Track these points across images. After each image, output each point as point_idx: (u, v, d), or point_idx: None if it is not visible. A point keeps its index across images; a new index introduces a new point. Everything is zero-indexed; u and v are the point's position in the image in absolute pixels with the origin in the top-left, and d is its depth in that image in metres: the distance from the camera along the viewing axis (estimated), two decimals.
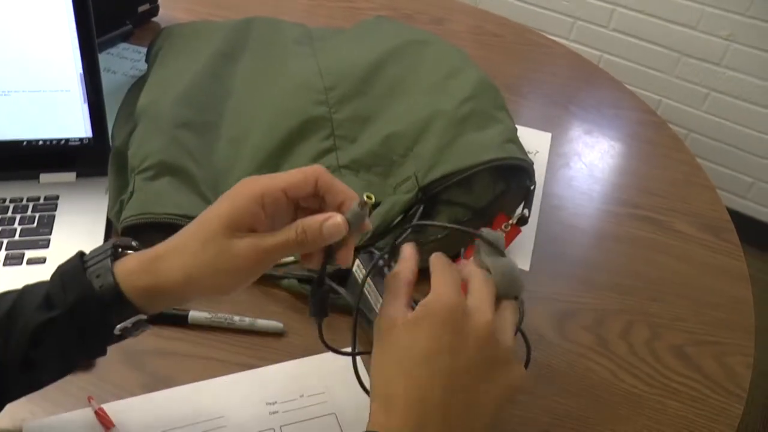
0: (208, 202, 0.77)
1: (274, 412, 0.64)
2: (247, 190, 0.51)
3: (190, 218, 0.72)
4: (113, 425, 0.61)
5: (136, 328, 0.53)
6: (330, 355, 0.66)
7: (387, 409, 0.50)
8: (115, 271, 0.51)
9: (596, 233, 0.90)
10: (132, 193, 0.75)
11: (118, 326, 0.51)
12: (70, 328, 0.51)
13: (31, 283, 0.53)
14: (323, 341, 0.59)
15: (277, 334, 0.72)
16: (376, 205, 0.77)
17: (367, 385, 0.63)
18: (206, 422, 0.62)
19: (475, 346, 0.50)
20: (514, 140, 0.81)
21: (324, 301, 0.57)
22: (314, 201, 0.54)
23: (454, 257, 0.79)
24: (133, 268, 0.51)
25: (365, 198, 0.52)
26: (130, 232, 0.74)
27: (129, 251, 0.54)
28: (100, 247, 0.53)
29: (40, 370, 0.53)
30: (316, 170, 0.53)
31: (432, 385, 0.49)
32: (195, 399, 0.64)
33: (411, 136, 0.82)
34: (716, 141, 2.10)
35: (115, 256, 0.52)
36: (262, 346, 0.70)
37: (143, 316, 0.52)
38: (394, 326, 0.51)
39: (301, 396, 0.65)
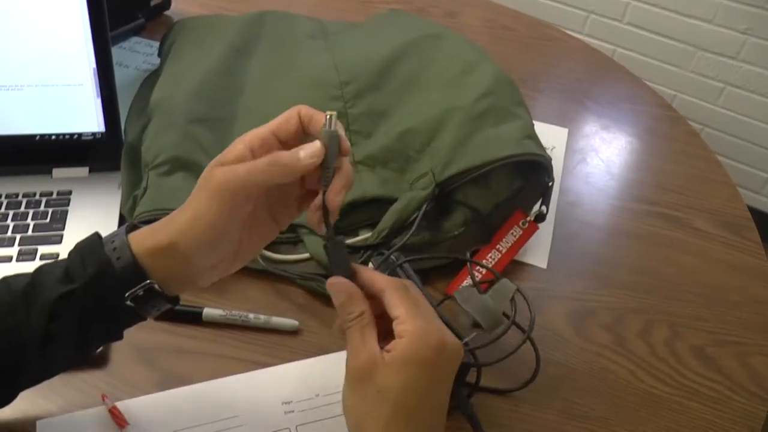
0: None
1: (289, 412, 0.63)
2: (236, 140, 0.53)
3: None
4: (127, 424, 0.60)
5: (150, 300, 0.52)
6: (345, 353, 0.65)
7: None
8: (130, 242, 0.52)
9: (614, 230, 0.89)
10: (146, 189, 0.75)
11: (128, 293, 0.51)
12: (89, 302, 0.51)
13: (48, 262, 0.54)
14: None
15: (292, 332, 0.71)
16: (392, 201, 0.76)
17: None
18: (221, 421, 0.62)
19: (451, 373, 0.51)
20: (533, 136, 0.80)
21: (341, 251, 0.54)
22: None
23: (472, 255, 0.78)
24: (144, 233, 0.53)
25: (327, 114, 0.52)
26: None
27: None
28: (117, 229, 0.54)
29: (58, 347, 0.52)
30: (297, 107, 0.54)
31: (408, 426, 0.49)
32: (209, 397, 0.64)
33: (427, 132, 0.81)
34: (731, 136, 2.08)
35: (129, 230, 0.53)
36: (277, 344, 0.70)
37: (153, 283, 0.51)
38: (371, 371, 0.49)
39: (317, 395, 0.65)
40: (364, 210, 0.77)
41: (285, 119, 0.53)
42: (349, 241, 0.75)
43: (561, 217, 0.89)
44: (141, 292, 0.51)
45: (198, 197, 0.52)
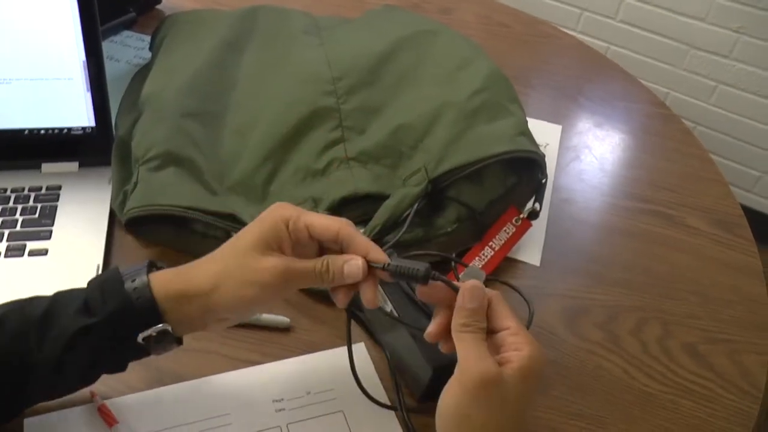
0: (214, 193, 0.76)
1: (280, 410, 0.62)
2: (276, 211, 0.55)
3: (196, 210, 0.72)
4: (116, 422, 0.60)
5: (160, 341, 0.54)
6: (339, 350, 0.65)
7: None
8: (150, 282, 0.53)
9: (607, 228, 0.89)
10: (136, 184, 0.74)
11: (142, 335, 0.53)
12: (105, 337, 0.53)
13: (64, 290, 0.55)
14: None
15: (284, 330, 0.70)
16: (384, 197, 0.75)
17: (365, 385, 0.62)
18: (211, 419, 0.61)
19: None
20: (526, 133, 0.80)
21: (406, 264, 0.55)
22: (336, 247, 0.56)
23: (463, 252, 0.78)
24: (167, 276, 0.55)
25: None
26: (135, 223, 0.73)
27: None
28: (135, 265, 0.56)
29: (66, 375, 0.54)
30: (342, 221, 0.56)
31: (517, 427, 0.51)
32: (200, 395, 0.63)
33: (421, 128, 0.81)
34: (723, 134, 2.08)
35: (150, 270, 0.55)
36: (268, 342, 0.69)
37: (168, 326, 0.53)
38: (497, 381, 0.49)
39: (308, 393, 0.64)
40: (356, 206, 0.76)
41: (325, 224, 0.55)
42: None
43: (554, 215, 0.88)
44: (154, 334, 0.53)
45: (243, 279, 0.53)
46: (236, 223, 0.73)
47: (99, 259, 0.73)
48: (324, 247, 0.57)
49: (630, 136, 1.05)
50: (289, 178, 0.78)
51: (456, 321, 0.53)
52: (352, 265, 0.54)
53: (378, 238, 0.74)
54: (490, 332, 0.53)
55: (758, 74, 1.93)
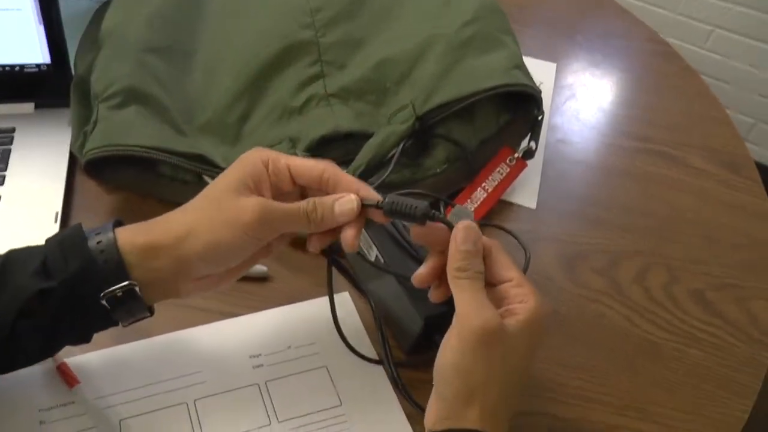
0: (182, 133, 0.70)
1: (258, 366, 0.57)
2: (254, 153, 0.50)
3: (162, 151, 0.66)
4: (78, 382, 0.54)
5: (126, 303, 0.48)
6: (321, 301, 0.60)
7: (487, 418, 0.45)
8: (117, 237, 0.48)
9: (606, 169, 0.83)
10: (95, 123, 0.67)
11: (105, 291, 0.47)
12: (65, 302, 0.47)
13: (17, 248, 0.49)
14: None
15: (261, 279, 0.65)
16: (368, 136, 0.70)
17: (350, 338, 0.57)
18: (182, 377, 0.56)
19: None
20: (521, 66, 0.74)
21: (404, 202, 0.49)
22: (320, 193, 0.51)
23: (454, 194, 0.72)
24: (134, 230, 0.49)
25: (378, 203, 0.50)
26: (95, 166, 0.67)
27: None
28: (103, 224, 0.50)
29: (23, 347, 0.48)
30: (327, 162, 0.51)
31: (517, 387, 0.47)
32: (170, 351, 0.58)
33: (407, 62, 0.75)
34: (717, 80, 2.02)
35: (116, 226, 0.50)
36: (244, 293, 0.64)
37: (134, 284, 0.47)
38: (499, 333, 0.45)
39: (289, 347, 0.59)
40: (337, 146, 0.70)
41: (308, 165, 0.51)
42: None
43: (550, 156, 0.83)
44: (119, 293, 0.47)
45: (219, 219, 0.48)
46: (207, 164, 0.67)
47: (57, 206, 0.67)
48: (306, 195, 0.52)
49: (628, 74, 1.00)
50: (265, 116, 0.72)
51: (450, 266, 0.48)
52: (345, 202, 0.49)
53: (362, 180, 0.68)
54: (490, 284, 0.49)
55: (755, 17, 1.87)
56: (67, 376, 0.54)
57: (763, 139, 2.05)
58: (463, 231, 0.48)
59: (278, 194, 0.51)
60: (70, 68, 0.76)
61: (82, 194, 0.71)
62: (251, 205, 0.48)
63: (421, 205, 0.48)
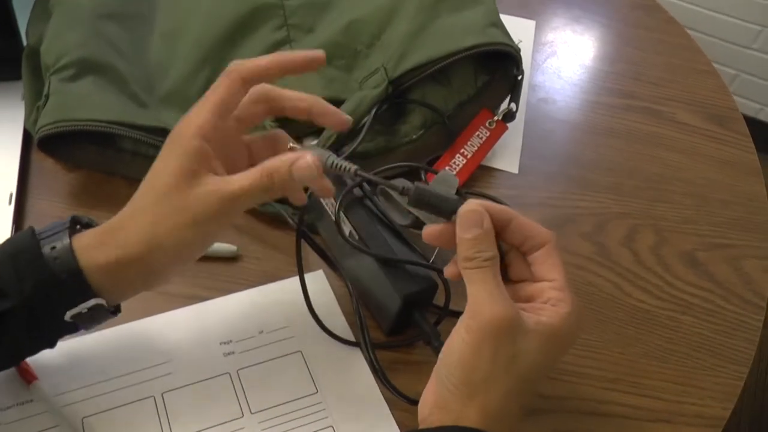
0: (143, 105, 0.66)
1: (229, 353, 0.54)
2: (183, 129, 0.46)
3: (121, 125, 0.62)
4: (36, 378, 0.51)
5: (94, 316, 0.45)
6: (295, 280, 0.57)
7: (490, 419, 0.41)
8: (74, 248, 0.44)
9: (590, 128, 0.80)
10: (47, 97, 0.63)
11: (70, 312, 0.44)
12: (23, 322, 0.44)
13: None
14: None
15: (230, 259, 0.61)
16: (339, 103, 0.66)
17: (325, 320, 0.54)
18: (148, 369, 0.52)
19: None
20: (498, 24, 0.70)
21: (432, 193, 0.45)
22: (261, 109, 0.49)
23: (432, 161, 0.69)
24: (91, 242, 0.45)
25: (290, 145, 0.48)
26: (50, 143, 0.62)
27: (87, 228, 0.47)
28: (54, 222, 0.46)
29: None
30: (237, 71, 0.47)
31: (525, 395, 0.43)
32: (133, 341, 0.54)
33: (377, 23, 0.70)
34: (697, 32, 1.98)
35: (73, 231, 0.46)
36: (212, 274, 0.60)
37: (101, 301, 0.45)
38: (513, 329, 0.41)
39: (261, 332, 0.56)
40: None
41: (227, 90, 0.46)
42: None
43: (531, 117, 0.79)
44: (85, 311, 0.45)
45: (181, 221, 0.44)
46: None
47: (12, 187, 0.63)
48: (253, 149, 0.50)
49: (610, 30, 0.96)
50: None
51: (459, 256, 0.44)
52: (301, 166, 0.45)
53: (334, 150, 0.64)
54: (530, 281, 0.45)
55: None
56: (24, 373, 0.51)
57: (744, 89, 2.03)
58: (463, 217, 0.43)
59: (225, 149, 0.47)
60: (20, 38, 0.71)
61: (39, 173, 0.66)
62: (205, 197, 0.44)
63: (453, 198, 0.44)
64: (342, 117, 0.49)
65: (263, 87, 0.48)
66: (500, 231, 0.45)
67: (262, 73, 0.47)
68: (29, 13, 0.74)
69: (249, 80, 0.47)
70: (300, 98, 0.49)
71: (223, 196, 0.44)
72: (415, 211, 0.46)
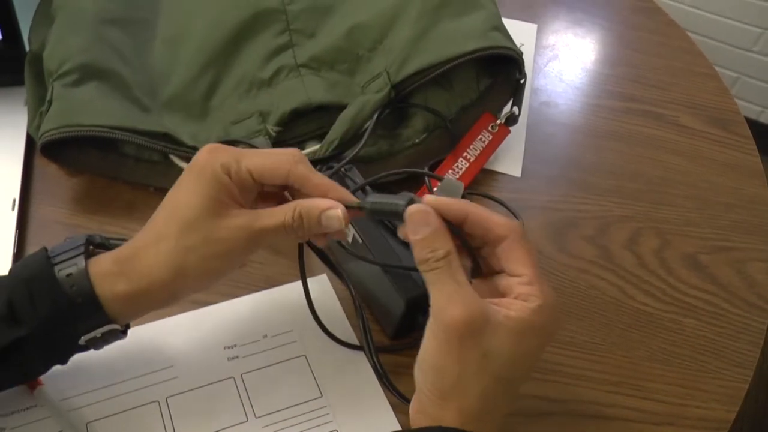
0: (146, 110, 0.66)
1: (233, 358, 0.54)
2: (210, 161, 0.45)
3: (124, 130, 0.62)
4: (40, 384, 0.51)
5: (107, 339, 0.46)
6: (299, 285, 0.57)
7: (468, 419, 0.41)
8: (90, 274, 0.44)
9: (592, 131, 0.80)
10: (50, 103, 0.63)
11: (85, 337, 0.45)
12: (38, 347, 0.44)
13: None
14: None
15: None
16: (342, 108, 0.66)
17: (329, 324, 0.55)
18: (152, 374, 0.53)
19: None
20: (500, 28, 0.70)
21: (383, 201, 0.45)
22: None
23: (435, 165, 0.69)
24: (109, 270, 0.45)
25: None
26: (53, 149, 0.63)
27: (100, 250, 0.47)
28: (68, 242, 0.46)
29: None
30: (290, 155, 0.46)
31: (505, 395, 0.42)
32: (137, 346, 0.54)
33: (379, 27, 0.71)
34: (698, 35, 1.98)
35: (88, 254, 0.45)
36: None
37: (116, 326, 0.46)
38: (481, 328, 0.40)
39: (265, 336, 0.56)
40: (310, 119, 0.67)
41: (271, 168, 0.46)
42: None
43: (534, 120, 0.79)
44: (99, 335, 0.45)
45: (208, 253, 0.45)
46: (173, 143, 0.63)
47: (15, 193, 0.63)
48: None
49: (612, 32, 0.96)
50: (232, 90, 0.69)
51: (415, 259, 0.43)
52: (331, 216, 0.45)
53: (337, 154, 0.64)
54: (496, 274, 0.44)
55: None
56: None
57: (746, 93, 2.03)
58: (409, 219, 0.43)
59: (241, 192, 0.47)
60: (23, 43, 0.71)
61: (42, 179, 0.67)
62: (236, 231, 0.45)
63: (403, 200, 0.44)
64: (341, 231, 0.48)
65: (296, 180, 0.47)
66: (460, 227, 0.44)
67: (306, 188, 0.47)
68: (32, 18, 0.75)
69: (295, 179, 0.47)
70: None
71: (252, 232, 0.45)
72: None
